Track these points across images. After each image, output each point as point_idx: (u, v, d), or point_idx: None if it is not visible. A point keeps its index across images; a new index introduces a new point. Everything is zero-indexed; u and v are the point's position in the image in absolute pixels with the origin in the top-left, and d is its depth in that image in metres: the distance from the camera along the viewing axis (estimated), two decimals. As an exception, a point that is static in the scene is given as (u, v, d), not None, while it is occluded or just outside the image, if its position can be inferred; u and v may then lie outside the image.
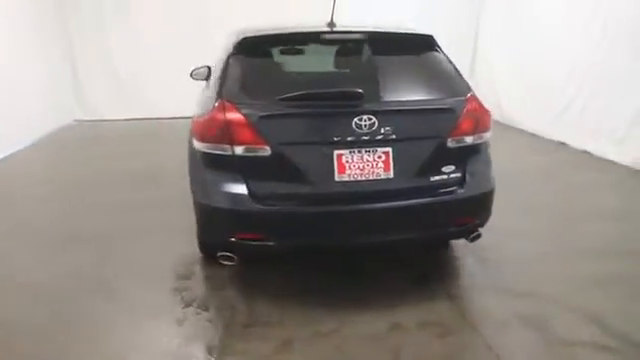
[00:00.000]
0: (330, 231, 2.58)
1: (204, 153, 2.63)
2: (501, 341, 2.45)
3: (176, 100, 8.69)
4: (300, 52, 2.80)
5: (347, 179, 2.53)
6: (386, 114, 2.53)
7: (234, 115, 2.52)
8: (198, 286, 3.04)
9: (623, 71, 5.36)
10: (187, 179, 2.84)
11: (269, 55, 2.80)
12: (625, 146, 5.32)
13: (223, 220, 2.60)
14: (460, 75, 2.85)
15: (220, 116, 2.55)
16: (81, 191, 4.89)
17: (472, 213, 2.74)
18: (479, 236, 2.84)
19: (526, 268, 3.20)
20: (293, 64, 2.79)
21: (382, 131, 2.51)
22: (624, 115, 5.34)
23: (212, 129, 2.57)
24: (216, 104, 2.60)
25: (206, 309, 2.77)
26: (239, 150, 2.52)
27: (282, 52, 2.81)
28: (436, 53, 2.92)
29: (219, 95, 2.63)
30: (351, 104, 2.53)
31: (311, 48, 2.81)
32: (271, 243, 2.55)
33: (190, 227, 3.02)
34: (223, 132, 2.53)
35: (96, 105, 8.92)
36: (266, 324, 2.62)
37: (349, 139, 2.50)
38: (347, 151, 2.53)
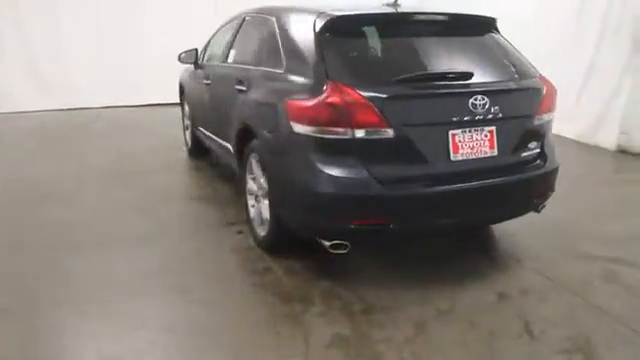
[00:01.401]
0: (448, 211, 2.61)
1: (314, 138, 2.50)
2: (599, 299, 2.70)
3: (106, 88, 7.98)
4: (388, 33, 2.75)
5: (460, 158, 2.59)
6: (495, 94, 2.62)
7: (355, 97, 2.42)
8: (289, 282, 2.86)
9: (570, 57, 6.11)
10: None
11: (360, 36, 2.72)
12: (572, 124, 6.05)
13: (342, 207, 2.50)
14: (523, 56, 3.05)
15: (337, 99, 2.43)
16: None
17: (550, 185, 2.96)
18: (544, 207, 3.08)
19: (571, 232, 3.53)
20: (385, 45, 2.74)
21: (492, 110, 2.60)
22: (570, 96, 6.05)
23: (326, 112, 2.45)
24: (326, 86, 2.47)
25: (311, 303, 2.65)
26: (360, 133, 2.44)
27: (370, 33, 2.74)
28: (499, 35, 3.07)
29: (325, 77, 2.50)
30: (464, 84, 2.59)
31: (397, 29, 2.78)
32: (393, 226, 2.52)
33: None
34: (341, 115, 2.43)
35: (6, 95, 7.80)
36: (386, 309, 2.58)
37: (465, 119, 2.55)
38: (460, 131, 2.58)
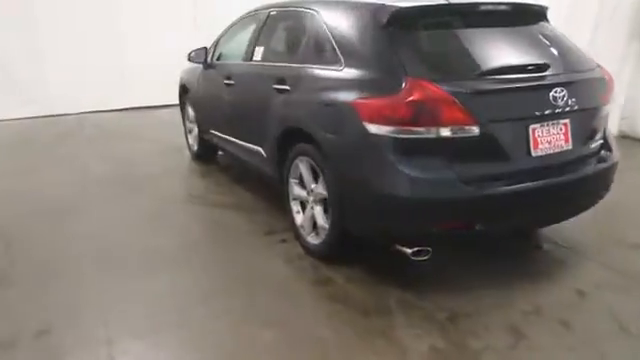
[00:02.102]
0: (531, 208, 2.51)
1: (393, 139, 2.33)
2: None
3: (88, 92, 7.52)
4: (455, 25, 2.61)
5: (540, 153, 2.48)
6: (571, 85, 2.52)
7: (439, 93, 2.27)
8: (357, 292, 2.68)
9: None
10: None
11: (428, 28, 2.56)
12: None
13: (427, 210, 2.35)
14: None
15: (419, 95, 2.27)
16: None
17: (613, 176, 2.90)
18: (601, 198, 3.04)
19: (614, 219, 3.50)
20: (455, 37, 2.59)
21: (569, 103, 2.51)
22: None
23: (408, 111, 2.28)
24: (405, 83, 2.31)
25: (391, 314, 2.49)
26: (445, 131, 2.29)
27: (438, 25, 2.60)
28: (551, 25, 2.99)
29: (403, 72, 2.34)
30: (543, 76, 2.48)
31: (462, 20, 2.64)
32: (478, 228, 2.39)
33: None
34: (424, 113, 2.28)
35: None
36: (471, 315, 2.44)
37: (546, 112, 2.45)
38: (539, 125, 2.47)
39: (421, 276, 2.84)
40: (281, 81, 3.13)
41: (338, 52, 2.71)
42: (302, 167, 3.00)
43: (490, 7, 2.71)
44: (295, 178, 3.15)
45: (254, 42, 3.70)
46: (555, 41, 2.83)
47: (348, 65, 2.63)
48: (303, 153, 2.96)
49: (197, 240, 3.36)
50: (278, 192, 3.45)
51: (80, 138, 6.46)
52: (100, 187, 4.41)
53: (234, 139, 3.99)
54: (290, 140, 3.09)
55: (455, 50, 2.54)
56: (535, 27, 2.85)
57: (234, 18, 4.40)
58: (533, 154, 2.46)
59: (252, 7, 4.10)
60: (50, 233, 3.48)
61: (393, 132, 2.33)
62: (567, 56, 2.76)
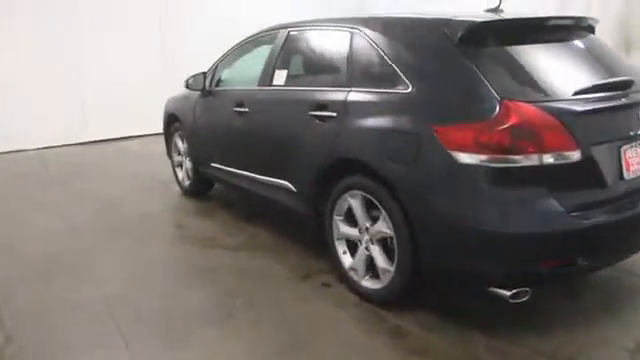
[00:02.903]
0: (629, 238, 2.30)
1: (489, 168, 2.06)
2: None
3: (44, 126, 6.83)
4: (529, 40, 2.40)
5: (632, 176, 2.29)
6: None
7: (541, 116, 2.04)
8: (439, 342, 2.36)
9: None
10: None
11: (505, 44, 2.32)
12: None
13: (531, 247, 2.08)
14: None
15: (519, 119, 2.03)
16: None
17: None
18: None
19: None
20: (534, 54, 2.37)
21: (655, 120, 2.35)
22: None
23: (507, 137, 2.03)
24: (500, 106, 2.06)
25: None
26: (547, 158, 2.05)
27: (514, 41, 2.37)
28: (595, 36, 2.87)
29: (494, 94, 2.09)
30: (629, 94, 2.31)
31: (536, 35, 2.44)
32: (580, 263, 2.15)
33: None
34: (525, 138, 2.03)
35: None
36: (574, 357, 2.20)
37: (639, 132, 2.27)
38: (629, 145, 2.28)
39: (505, 317, 2.54)
40: (321, 107, 2.81)
41: (399, 73, 2.43)
42: (354, 203, 2.67)
43: (556, 22, 2.53)
44: (340, 215, 2.81)
45: (272, 65, 3.36)
46: (614, 55, 2.69)
47: (417, 87, 2.35)
48: (356, 187, 2.64)
49: (230, 291, 2.91)
50: (303, 229, 3.12)
51: (47, 177, 5.78)
52: (91, 236, 3.85)
53: (248, 173, 3.60)
54: (336, 173, 2.76)
55: (538, 67, 2.33)
56: (592, 41, 2.70)
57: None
58: (625, 177, 2.27)
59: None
60: (57, 307, 2.84)
61: (488, 161, 2.06)
62: (633, 71, 2.62)
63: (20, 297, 2.93)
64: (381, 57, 2.56)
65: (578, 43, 2.56)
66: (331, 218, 2.87)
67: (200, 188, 4.65)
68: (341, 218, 2.82)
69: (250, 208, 4.25)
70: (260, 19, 6.66)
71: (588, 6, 5.99)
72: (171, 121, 4.81)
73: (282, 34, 3.40)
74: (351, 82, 2.70)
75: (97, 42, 7.24)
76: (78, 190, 5.12)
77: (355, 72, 2.71)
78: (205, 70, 4.15)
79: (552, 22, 2.48)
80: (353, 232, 2.76)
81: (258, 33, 3.77)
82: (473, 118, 2.11)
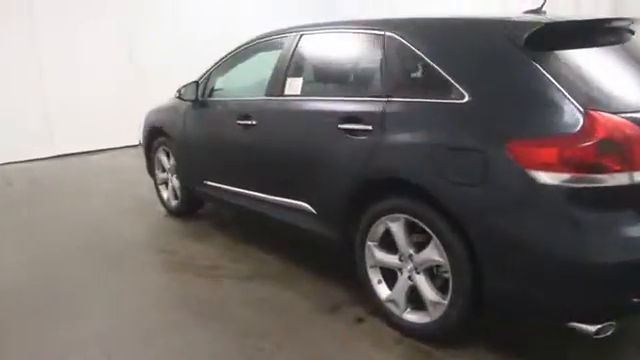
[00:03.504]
0: None
1: (573, 189, 1.80)
2: None
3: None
4: (598, 43, 2.16)
5: None
6: None
7: (631, 129, 1.79)
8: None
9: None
10: None
11: (575, 46, 2.08)
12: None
13: (625, 277, 1.83)
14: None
15: (608, 132, 1.78)
16: None
17: None
18: None
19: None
20: (605, 58, 2.14)
21: None
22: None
23: (594, 152, 1.78)
24: (585, 117, 1.80)
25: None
26: (638, 176, 1.81)
27: (586, 43, 2.13)
28: None
29: (577, 104, 1.83)
30: None
31: (598, 38, 2.21)
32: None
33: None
34: (616, 154, 1.78)
35: None
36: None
37: None
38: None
39: (581, 354, 2.30)
40: (353, 119, 2.49)
41: (451, 81, 2.14)
42: (394, 227, 2.37)
43: (621, 22, 2.30)
44: (375, 240, 2.50)
45: (283, 73, 3.01)
46: None
47: (475, 97, 2.07)
48: (398, 210, 2.34)
49: (248, 330, 2.53)
50: (320, 254, 2.79)
51: (12, 197, 5.20)
52: (73, 267, 3.37)
53: (255, 192, 3.23)
54: (371, 193, 2.45)
55: (611, 73, 2.10)
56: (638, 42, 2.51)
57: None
58: None
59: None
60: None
61: (572, 180, 1.80)
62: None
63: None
64: (425, 63, 2.27)
65: (631, 46, 2.36)
66: (363, 244, 2.55)
67: (189, 208, 4.23)
68: (376, 244, 2.51)
69: (248, 229, 3.87)
70: (230, 28, 6.37)
71: (577, 5, 5.95)
72: (154, 135, 4.37)
73: (292, 38, 3.06)
74: (388, 91, 2.40)
75: (60, 52, 6.71)
76: (50, 212, 4.59)
77: (392, 80, 2.40)
78: (196, 79, 3.76)
79: (614, 24, 2.25)
80: (392, 260, 2.45)
81: (258, 38, 3.41)
82: (553, 132, 1.85)
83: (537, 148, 1.85)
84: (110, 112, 6.94)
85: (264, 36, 3.39)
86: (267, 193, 3.14)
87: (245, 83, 3.49)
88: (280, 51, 3.12)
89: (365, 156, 2.42)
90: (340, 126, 2.54)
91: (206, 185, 3.76)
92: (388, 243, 2.46)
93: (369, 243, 2.53)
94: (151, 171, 4.60)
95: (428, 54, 2.27)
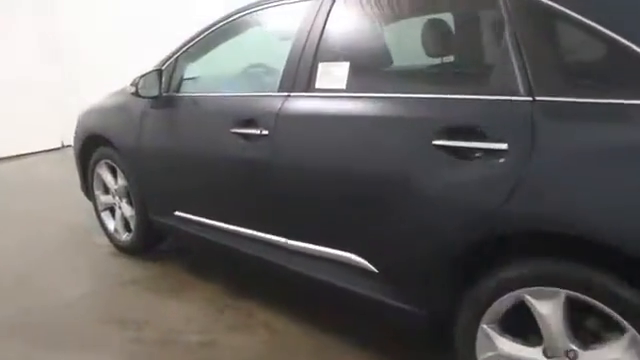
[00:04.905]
0: None
1: None
2: None
3: None
4: None
5: None
6: None
7: None
8: None
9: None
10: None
11: None
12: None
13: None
14: None
15: None
16: None
17: None
18: None
19: None
20: None
21: None
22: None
23: None
24: None
25: None
26: None
27: None
28: None
29: None
30: None
31: None
32: None
33: None
34: None
35: None
36: None
37: None
38: None
39: None
40: (463, 132, 1.52)
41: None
42: (544, 308, 1.42)
43: None
44: (494, 322, 1.57)
45: (311, 56, 1.97)
46: None
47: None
48: (556, 281, 1.41)
49: None
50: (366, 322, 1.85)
51: None
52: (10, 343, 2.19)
53: (265, 234, 2.18)
54: (499, 251, 1.51)
55: None
56: None
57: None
58: None
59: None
60: None
61: None
62: None
63: None
64: (610, 39, 1.34)
65: None
66: (474, 326, 1.61)
67: (147, 244, 3.09)
68: (495, 326, 1.58)
69: (242, 275, 2.80)
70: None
71: None
72: (92, 144, 3.15)
73: (317, 3, 2.02)
74: (531, 87, 1.44)
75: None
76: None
77: (539, 69, 1.44)
78: (157, 65, 2.61)
79: None
80: (531, 356, 1.53)
81: (254, 5, 2.34)
82: None
83: None
84: (25, 114, 5.60)
85: (261, 3, 2.31)
86: (286, 236, 2.10)
87: (238, 72, 2.41)
88: (299, 22, 2.06)
89: (493, 194, 1.45)
90: (438, 142, 1.56)
91: (176, 217, 2.65)
92: (517, 329, 1.55)
93: (484, 326, 1.59)
94: (87, 192, 3.38)
95: (599, 19, 1.34)
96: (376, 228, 1.78)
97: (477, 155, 1.49)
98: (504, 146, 1.43)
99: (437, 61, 1.84)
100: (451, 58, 1.85)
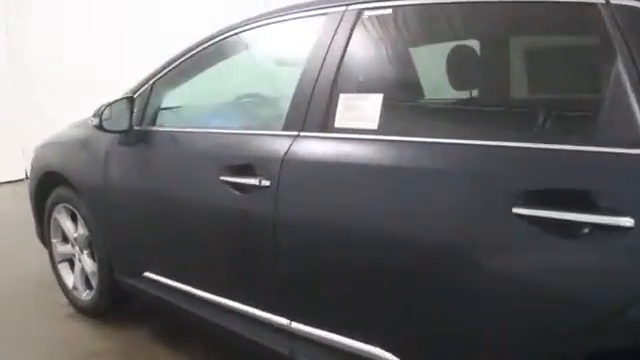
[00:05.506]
0: None
1: None
2: None
3: None
4: None
5: None
6: None
7: None
8: None
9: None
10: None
11: None
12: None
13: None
14: None
15: None
16: None
17: None
18: None
19: None
20: None
21: None
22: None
23: None
24: None
25: None
26: None
27: None
28: None
29: None
30: None
31: None
32: None
33: None
34: None
35: None
36: None
37: None
38: None
39: None
40: (570, 202, 1.06)
41: None
42: None
43: None
44: None
45: (327, 87, 1.51)
46: None
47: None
48: None
49: None
50: None
51: None
52: None
53: (261, 312, 1.69)
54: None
55: None
56: None
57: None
58: None
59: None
60: None
61: None
62: None
63: None
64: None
65: None
66: None
67: (111, 304, 2.55)
68: None
69: (215, 345, 2.28)
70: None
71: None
72: (49, 183, 2.63)
73: (335, 18, 1.58)
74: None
75: None
76: None
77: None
78: (128, 92, 2.13)
79: None
80: None
81: (246, 22, 1.89)
82: None
83: None
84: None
85: (259, 18, 1.87)
86: (289, 317, 1.61)
87: (228, 102, 1.94)
88: (311, 42, 1.62)
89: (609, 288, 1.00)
90: (517, 211, 1.10)
91: (146, 279, 2.13)
92: None
93: None
94: (43, 238, 2.85)
95: None
96: (421, 317, 1.30)
97: (585, 231, 1.04)
98: (629, 222, 0.98)
99: (519, 100, 1.40)
100: (538, 96, 1.41)
